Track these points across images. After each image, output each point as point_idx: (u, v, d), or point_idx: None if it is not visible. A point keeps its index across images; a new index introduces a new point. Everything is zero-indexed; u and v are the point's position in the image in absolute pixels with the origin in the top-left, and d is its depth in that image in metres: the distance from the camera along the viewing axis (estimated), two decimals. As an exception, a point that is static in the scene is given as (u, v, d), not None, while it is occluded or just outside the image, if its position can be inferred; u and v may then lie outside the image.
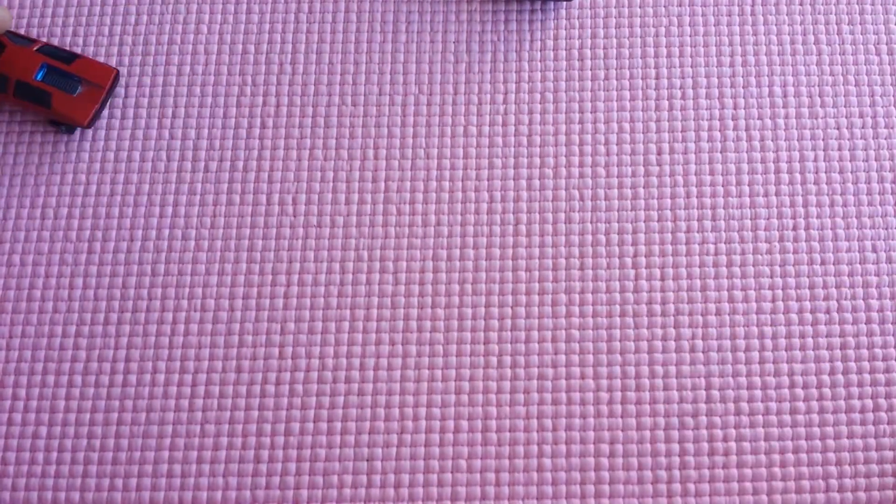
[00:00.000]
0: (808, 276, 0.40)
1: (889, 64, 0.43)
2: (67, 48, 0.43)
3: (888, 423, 0.38)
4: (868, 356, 0.39)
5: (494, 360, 0.39)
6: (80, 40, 0.44)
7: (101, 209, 0.41)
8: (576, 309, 0.40)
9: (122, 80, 0.43)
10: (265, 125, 0.43)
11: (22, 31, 0.44)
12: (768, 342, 0.39)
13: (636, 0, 0.44)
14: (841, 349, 0.39)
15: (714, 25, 0.44)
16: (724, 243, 0.41)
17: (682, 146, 0.42)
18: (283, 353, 0.39)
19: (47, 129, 0.43)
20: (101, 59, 0.43)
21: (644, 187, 0.42)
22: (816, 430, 0.38)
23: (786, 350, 0.39)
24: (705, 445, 0.38)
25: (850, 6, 0.44)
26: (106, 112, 0.43)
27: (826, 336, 0.39)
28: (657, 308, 0.40)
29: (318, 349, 0.39)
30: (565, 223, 0.41)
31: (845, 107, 0.43)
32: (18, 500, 0.37)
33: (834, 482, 0.37)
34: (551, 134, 0.42)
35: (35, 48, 0.41)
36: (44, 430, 0.38)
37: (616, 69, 0.43)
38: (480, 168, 0.42)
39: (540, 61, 0.43)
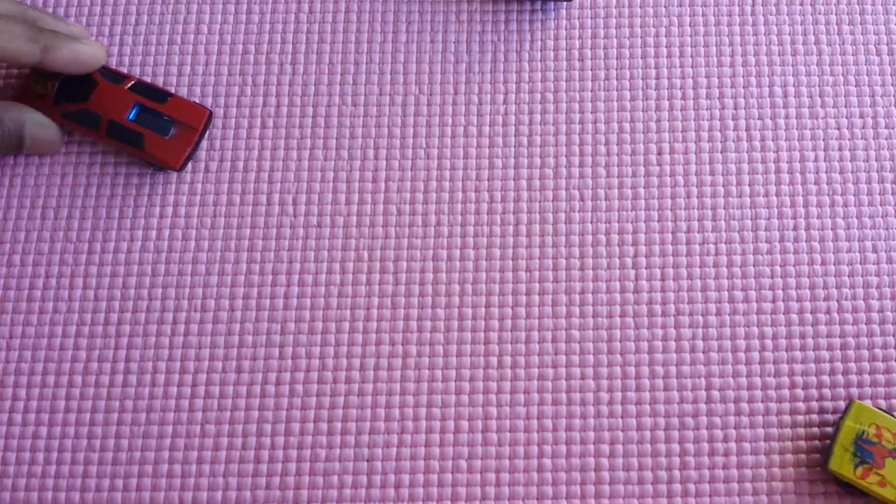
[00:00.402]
0: (808, 276, 0.40)
1: (889, 64, 0.43)
2: (160, 85, 0.43)
3: (888, 424, 0.38)
4: (868, 356, 0.39)
5: (494, 360, 0.39)
6: (81, 40, 0.44)
7: (101, 209, 0.41)
8: (576, 309, 0.40)
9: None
10: (265, 125, 0.43)
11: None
12: (768, 342, 0.39)
13: (636, 0, 0.44)
14: (841, 349, 0.39)
15: (714, 25, 0.44)
16: (724, 243, 0.41)
17: (682, 146, 0.42)
18: (283, 353, 0.39)
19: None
20: (102, 59, 0.44)
21: (644, 187, 0.42)
22: (816, 430, 0.38)
23: (786, 350, 0.39)
24: (705, 445, 0.38)
25: (850, 6, 0.44)
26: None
27: (826, 336, 0.39)
28: (657, 308, 0.40)
29: (318, 349, 0.39)
30: (565, 223, 0.41)
31: (845, 107, 0.43)
32: (18, 500, 0.37)
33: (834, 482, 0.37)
34: (551, 134, 0.42)
35: (127, 86, 0.41)
36: (44, 430, 0.38)
37: (616, 69, 0.43)
38: (480, 168, 0.42)
39: (540, 61, 0.43)
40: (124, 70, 0.43)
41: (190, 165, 0.42)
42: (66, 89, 0.40)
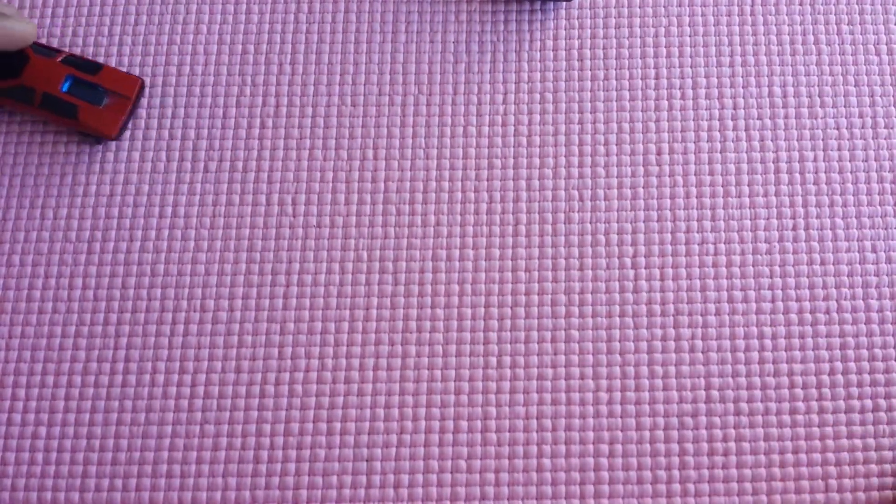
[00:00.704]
0: (808, 277, 0.40)
1: (889, 64, 0.43)
2: (91, 57, 0.43)
3: (888, 423, 0.38)
4: (868, 356, 0.39)
5: (494, 360, 0.39)
6: (80, 40, 0.44)
7: (100, 209, 0.41)
8: (576, 309, 0.40)
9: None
10: (265, 125, 0.43)
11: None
12: (768, 342, 0.39)
13: (636, 0, 0.44)
14: (841, 349, 0.39)
15: (714, 25, 0.44)
16: (724, 243, 0.41)
17: (682, 146, 0.42)
18: (283, 353, 0.39)
19: (46, 128, 0.43)
20: (101, 60, 0.43)
21: (644, 187, 0.42)
22: (816, 430, 0.38)
23: (786, 350, 0.39)
24: (705, 445, 0.38)
25: (850, 6, 0.44)
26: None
27: (826, 336, 0.39)
28: (657, 308, 0.40)
29: (318, 349, 0.39)
30: (565, 223, 0.41)
31: (845, 107, 0.43)
32: (18, 500, 0.37)
33: (834, 482, 0.37)
34: (551, 134, 0.42)
35: (59, 59, 0.41)
36: (44, 430, 0.38)
37: (616, 69, 0.43)
38: (480, 168, 0.42)
39: (540, 61, 0.43)
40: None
41: (189, 166, 0.42)
42: None
